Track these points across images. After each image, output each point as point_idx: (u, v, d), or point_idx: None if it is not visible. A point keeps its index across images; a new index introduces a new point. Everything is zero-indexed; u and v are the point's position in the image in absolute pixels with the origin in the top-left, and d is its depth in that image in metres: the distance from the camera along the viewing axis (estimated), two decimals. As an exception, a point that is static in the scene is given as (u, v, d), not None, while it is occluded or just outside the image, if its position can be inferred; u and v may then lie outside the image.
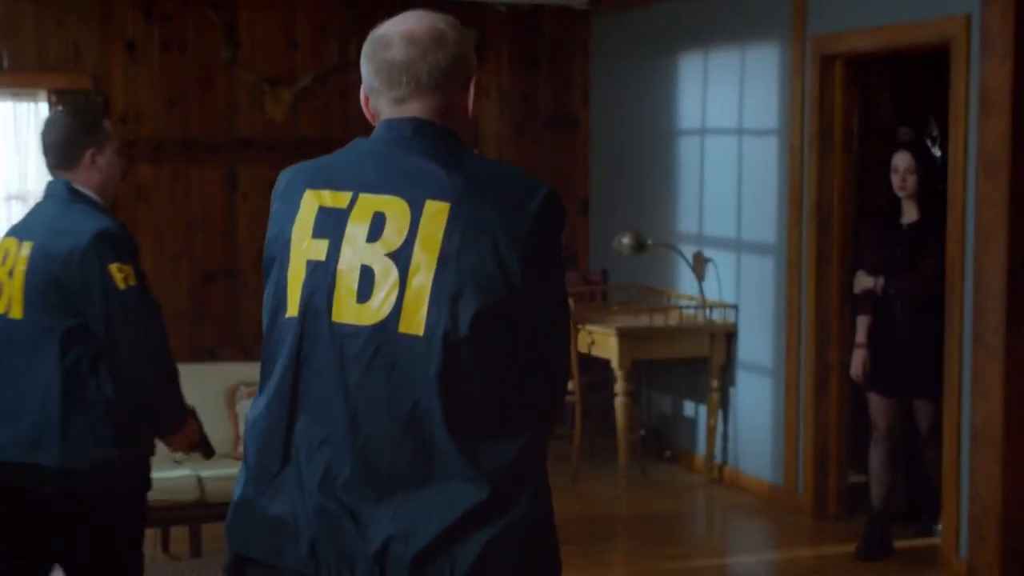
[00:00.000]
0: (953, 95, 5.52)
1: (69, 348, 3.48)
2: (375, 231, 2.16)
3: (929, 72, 6.75)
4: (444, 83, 2.24)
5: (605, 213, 8.41)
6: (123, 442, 3.50)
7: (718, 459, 7.21)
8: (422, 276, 2.12)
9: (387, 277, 2.14)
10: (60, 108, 3.50)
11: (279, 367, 2.23)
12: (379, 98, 2.30)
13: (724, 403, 7.14)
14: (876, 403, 5.84)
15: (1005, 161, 5.23)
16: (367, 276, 2.15)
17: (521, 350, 2.16)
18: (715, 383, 7.08)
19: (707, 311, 7.14)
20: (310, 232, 2.22)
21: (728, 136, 7.17)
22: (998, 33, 5.23)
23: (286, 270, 2.25)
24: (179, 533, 5.67)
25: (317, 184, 2.27)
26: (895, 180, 5.71)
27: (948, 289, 5.54)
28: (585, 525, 6.48)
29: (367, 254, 2.16)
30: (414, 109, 2.25)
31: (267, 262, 2.32)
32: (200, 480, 5.45)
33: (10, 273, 3.55)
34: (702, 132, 7.44)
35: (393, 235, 2.15)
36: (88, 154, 3.63)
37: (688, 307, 7.23)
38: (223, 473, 5.52)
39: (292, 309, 2.23)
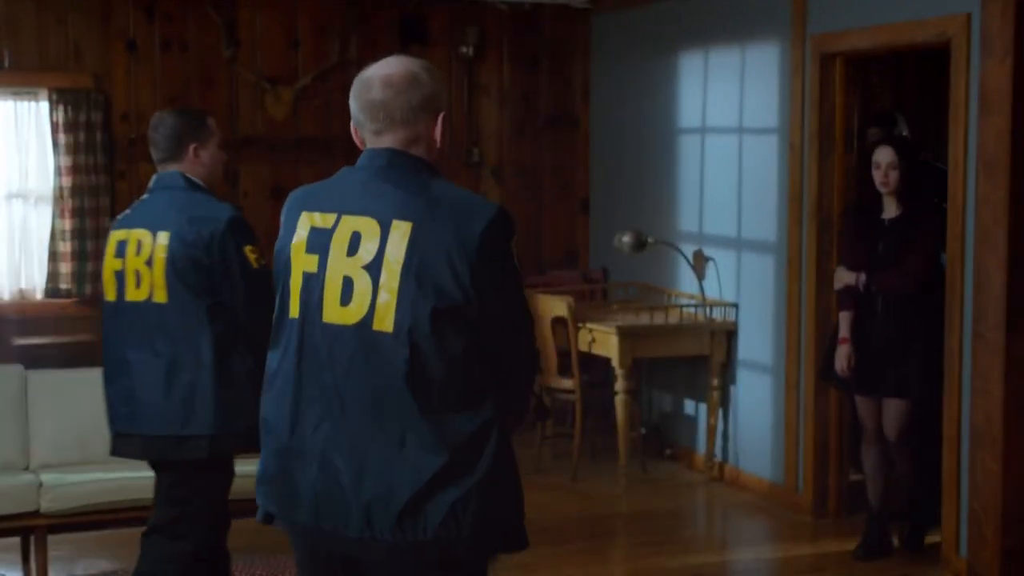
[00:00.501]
0: (953, 94, 5.53)
1: (214, 325, 3.94)
2: (352, 247, 2.66)
3: (929, 71, 6.76)
4: (413, 119, 2.73)
5: (605, 212, 8.42)
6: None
7: (718, 457, 7.22)
8: (390, 284, 2.61)
9: (362, 286, 2.64)
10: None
11: (288, 358, 2.74)
12: (363, 129, 2.78)
13: (724, 401, 7.15)
14: (862, 404, 5.81)
15: (1005, 160, 5.24)
16: (348, 285, 2.66)
17: (476, 345, 2.63)
18: (715, 381, 7.09)
19: (707, 310, 7.15)
20: (304, 248, 2.74)
21: (728, 135, 7.18)
22: (998, 32, 5.23)
23: (288, 280, 2.76)
24: (180, 531, 5.68)
25: (310, 207, 2.78)
26: (877, 176, 5.65)
27: (948, 286, 5.55)
28: (586, 523, 6.49)
29: (347, 267, 2.66)
30: (388, 140, 2.74)
31: (275, 271, 2.83)
32: (201, 478, 5.46)
33: (148, 262, 3.96)
34: (702, 131, 7.45)
35: (366, 250, 2.65)
36: (191, 148, 4.05)
37: (688, 306, 7.24)
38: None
39: (294, 311, 2.74)
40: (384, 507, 2.61)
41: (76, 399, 5.69)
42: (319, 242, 2.72)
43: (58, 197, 7.46)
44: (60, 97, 7.42)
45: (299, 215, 2.79)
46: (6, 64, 7.42)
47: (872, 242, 5.69)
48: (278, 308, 2.79)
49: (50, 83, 7.46)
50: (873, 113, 6.57)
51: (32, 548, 5.37)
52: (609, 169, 8.40)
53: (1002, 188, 5.25)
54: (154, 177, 4.19)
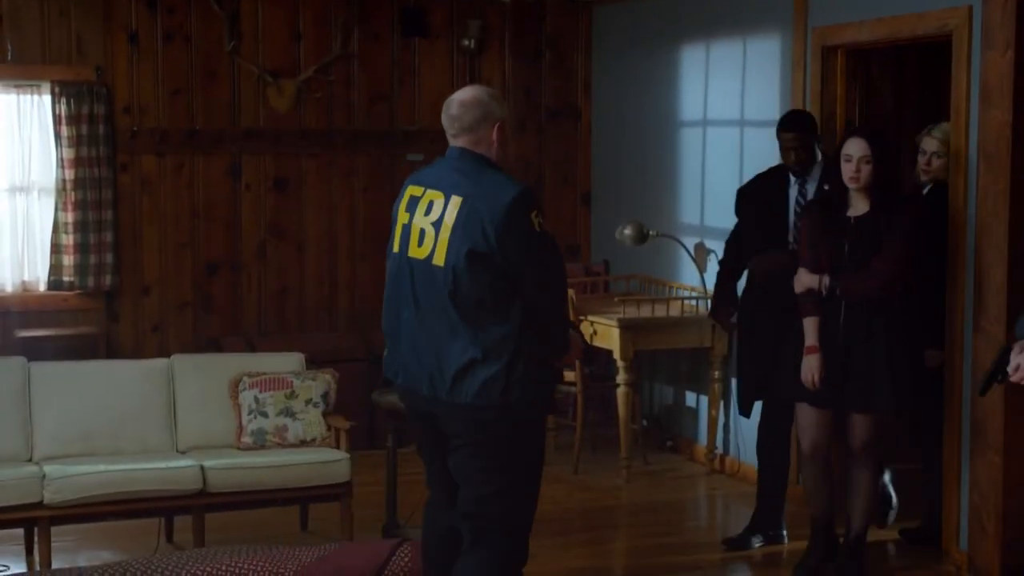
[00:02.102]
0: (954, 86, 5.54)
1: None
2: (428, 210, 4.05)
3: (930, 63, 6.77)
4: (476, 128, 4.07)
5: (607, 204, 8.43)
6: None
7: (719, 449, 7.23)
8: (443, 236, 3.98)
9: (429, 235, 4.02)
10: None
11: (391, 276, 4.17)
12: (448, 134, 4.12)
13: (725, 394, 7.16)
14: (806, 417, 5.35)
15: (1006, 152, 5.24)
16: (422, 234, 4.05)
17: (500, 281, 3.92)
18: (716, 373, 7.10)
19: (709, 302, 7.16)
20: (404, 208, 4.14)
21: (730, 127, 7.19)
22: (999, 25, 5.24)
23: (394, 228, 4.16)
24: (183, 523, 5.70)
25: (413, 182, 4.16)
26: (847, 169, 5.13)
27: (949, 279, 5.55)
28: (587, 514, 6.51)
29: (423, 222, 4.05)
30: (460, 142, 4.10)
31: (391, 222, 4.19)
32: (203, 470, 5.47)
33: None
34: (704, 123, 7.45)
35: (435, 213, 4.02)
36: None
37: (690, 298, 7.25)
38: (226, 463, 5.55)
39: (396, 248, 4.15)
40: (440, 377, 4.00)
41: (79, 391, 5.71)
42: (411, 205, 4.09)
43: (61, 190, 7.48)
44: (62, 90, 7.43)
45: (407, 187, 4.16)
46: (9, 57, 7.42)
47: (836, 242, 5.19)
48: (389, 246, 4.18)
49: (52, 76, 7.46)
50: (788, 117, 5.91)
51: (36, 539, 5.40)
52: (610, 162, 8.41)
53: (1003, 181, 5.26)
54: None
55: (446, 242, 3.95)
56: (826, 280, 5.19)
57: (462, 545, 4.16)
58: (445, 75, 8.33)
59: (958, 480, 5.53)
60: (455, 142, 4.08)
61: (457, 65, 8.37)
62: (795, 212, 5.71)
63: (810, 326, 5.24)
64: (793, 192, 5.77)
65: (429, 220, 4.01)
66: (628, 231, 7.32)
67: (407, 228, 4.07)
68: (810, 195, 5.68)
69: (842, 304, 5.19)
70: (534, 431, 4.12)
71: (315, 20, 8.02)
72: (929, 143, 5.68)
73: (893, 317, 5.19)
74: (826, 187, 5.46)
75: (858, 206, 5.20)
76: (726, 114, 7.22)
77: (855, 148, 5.14)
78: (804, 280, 5.27)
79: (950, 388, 5.56)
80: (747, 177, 6.38)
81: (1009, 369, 4.41)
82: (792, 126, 5.74)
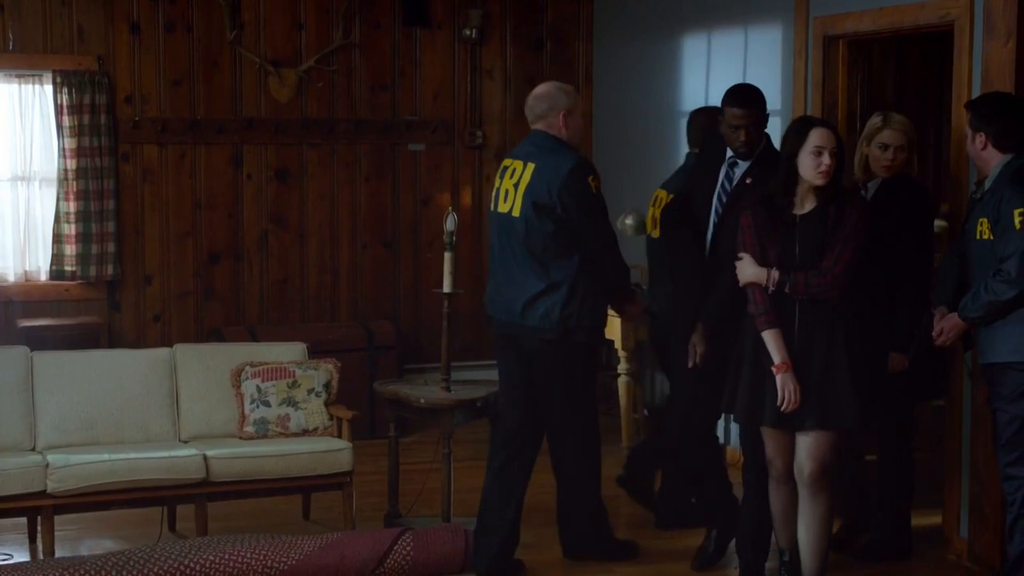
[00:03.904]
0: (956, 76, 5.53)
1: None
2: (512, 175, 5.20)
3: (932, 53, 6.77)
4: (547, 114, 5.20)
5: (608, 194, 8.36)
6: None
7: (720, 439, 7.23)
8: (519, 193, 5.11)
9: (511, 193, 5.16)
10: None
11: (491, 228, 5.33)
12: (528, 120, 5.25)
13: (727, 383, 7.15)
14: (772, 439, 4.84)
15: (1007, 142, 5.24)
16: (507, 193, 5.18)
17: (562, 230, 5.07)
18: (718, 363, 7.08)
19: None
20: (498, 176, 5.30)
21: (731, 117, 7.18)
22: (1001, 14, 5.24)
23: (494, 192, 5.28)
24: (185, 512, 5.72)
25: (506, 157, 5.36)
26: (816, 163, 4.62)
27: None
28: (588, 504, 6.51)
29: (508, 184, 5.20)
30: (539, 125, 5.23)
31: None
32: (206, 459, 5.48)
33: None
34: (705, 113, 7.44)
35: (516, 177, 5.17)
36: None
37: (691, 288, 7.24)
38: (228, 452, 5.56)
39: (491, 206, 5.31)
40: (515, 305, 5.14)
41: (81, 380, 5.72)
42: (502, 173, 5.26)
43: (62, 179, 7.48)
44: (64, 79, 7.44)
45: (503, 161, 5.32)
46: (10, 47, 7.43)
47: (785, 241, 4.70)
48: (489, 206, 5.36)
49: (54, 65, 7.47)
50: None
51: (39, 528, 5.41)
52: (612, 151, 8.41)
53: (1004, 170, 5.25)
54: None
55: (521, 198, 5.10)
56: (775, 275, 4.66)
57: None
58: (446, 65, 8.33)
59: (959, 468, 5.54)
60: (533, 126, 5.23)
61: (458, 54, 8.37)
62: (718, 198, 5.15)
63: (774, 340, 4.67)
64: (721, 175, 5.19)
65: (512, 182, 5.16)
66: (629, 221, 7.31)
67: (498, 191, 5.23)
68: (734, 183, 5.12)
69: (796, 309, 4.69)
70: (585, 354, 5.20)
71: (316, 9, 8.02)
72: (892, 136, 5.28)
73: (848, 321, 4.73)
74: (748, 181, 5.03)
75: (804, 203, 4.70)
76: (728, 104, 7.20)
77: (826, 139, 4.64)
78: (749, 272, 4.72)
79: (951, 379, 5.56)
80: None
81: (933, 334, 4.93)
82: (746, 101, 5.09)
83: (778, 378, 4.66)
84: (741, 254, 4.75)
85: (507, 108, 8.50)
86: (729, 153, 5.17)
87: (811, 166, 4.63)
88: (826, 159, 4.61)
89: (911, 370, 5.31)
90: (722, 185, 5.17)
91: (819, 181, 4.63)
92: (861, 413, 4.72)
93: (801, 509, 4.85)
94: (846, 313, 4.72)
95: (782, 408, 4.66)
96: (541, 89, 5.25)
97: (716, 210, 5.17)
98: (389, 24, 8.19)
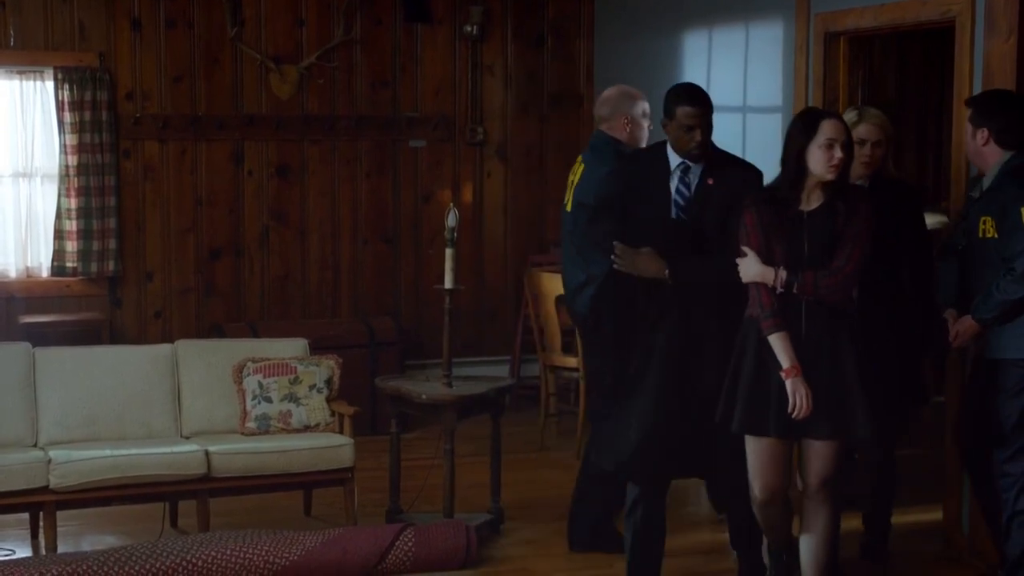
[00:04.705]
0: (957, 72, 5.54)
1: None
2: (574, 172, 5.43)
3: (933, 50, 6.77)
4: (608, 117, 5.38)
5: (609, 190, 8.41)
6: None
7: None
8: (572, 190, 5.35)
9: (569, 190, 5.38)
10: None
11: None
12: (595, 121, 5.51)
13: (728, 379, 7.15)
14: (762, 453, 4.52)
15: (1008, 138, 5.24)
16: (568, 187, 5.41)
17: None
18: (719, 360, 7.07)
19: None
20: (570, 174, 5.50)
21: (732, 113, 7.19)
22: (1002, 11, 5.24)
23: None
24: (187, 507, 5.72)
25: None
26: (828, 156, 4.38)
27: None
28: (589, 500, 6.51)
29: (570, 178, 5.43)
30: (602, 127, 5.40)
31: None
32: (208, 455, 5.49)
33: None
34: (706, 109, 7.44)
35: (575, 175, 5.39)
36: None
37: (692, 284, 7.24)
38: (230, 448, 5.57)
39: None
40: (567, 292, 5.45)
41: (84, 376, 5.72)
42: (572, 171, 5.48)
43: (64, 176, 7.49)
44: (65, 76, 7.44)
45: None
46: (12, 43, 7.43)
47: (792, 240, 4.45)
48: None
49: (55, 62, 7.47)
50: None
51: (41, 523, 5.41)
52: (613, 148, 8.40)
53: (1005, 167, 5.26)
54: None
55: (571, 194, 5.33)
56: (783, 274, 4.40)
57: None
58: (447, 61, 8.34)
59: (959, 465, 5.54)
60: (598, 127, 5.41)
61: (459, 51, 8.37)
62: (676, 204, 4.75)
63: (781, 343, 4.40)
64: (674, 182, 4.77)
65: (572, 180, 5.38)
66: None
67: (568, 188, 5.42)
68: (694, 187, 4.74)
69: (802, 311, 4.44)
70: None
71: (317, 6, 8.02)
72: (868, 131, 4.98)
73: (855, 323, 4.50)
74: (710, 182, 4.71)
75: (811, 199, 4.45)
76: (729, 100, 7.21)
77: (837, 131, 4.40)
78: (754, 269, 4.45)
79: (951, 373, 5.56)
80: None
81: (949, 337, 4.98)
82: (700, 99, 4.75)
83: (788, 383, 4.38)
84: (744, 248, 4.48)
85: (508, 104, 8.51)
86: (676, 160, 4.77)
87: (822, 160, 4.38)
88: (838, 152, 4.36)
89: (905, 375, 5.17)
90: (678, 192, 4.75)
91: (830, 176, 4.38)
92: (874, 422, 4.46)
93: (805, 521, 4.63)
94: (853, 315, 4.50)
95: (793, 415, 4.39)
96: (606, 93, 5.45)
97: (680, 219, 4.75)
98: (390, 20, 8.19)
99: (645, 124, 5.40)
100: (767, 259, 4.44)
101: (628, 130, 5.34)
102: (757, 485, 4.53)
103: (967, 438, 5.10)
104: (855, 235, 4.41)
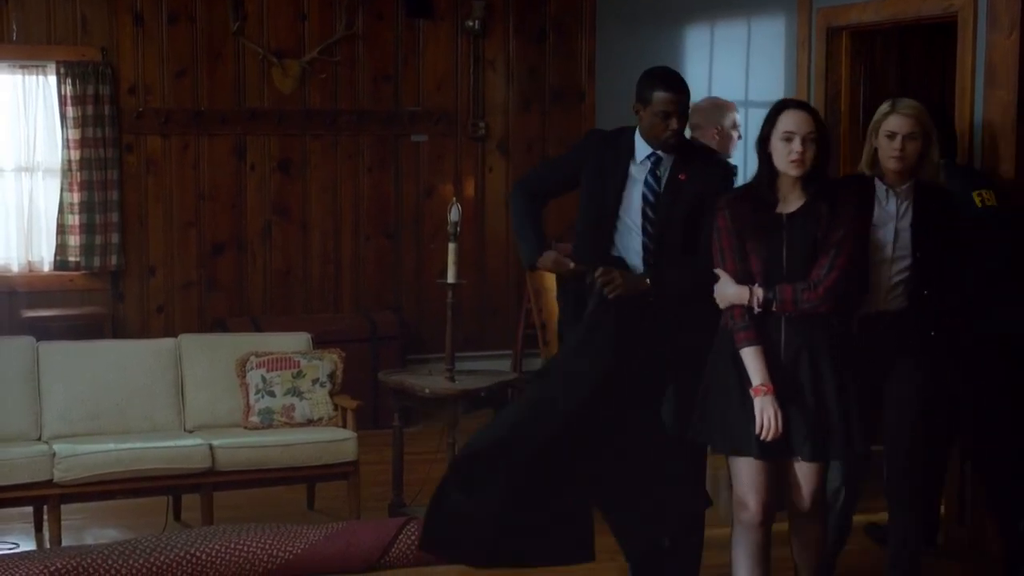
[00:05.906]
0: (959, 67, 5.54)
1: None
2: None
3: (935, 45, 6.77)
4: (698, 127, 5.48)
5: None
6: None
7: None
8: None
9: None
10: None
11: None
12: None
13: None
14: (750, 474, 4.20)
15: (1010, 133, 5.26)
16: None
17: None
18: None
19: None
20: None
21: (734, 108, 7.19)
22: (1004, 6, 5.25)
23: None
24: (191, 501, 5.74)
25: None
26: (787, 150, 4.08)
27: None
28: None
29: None
30: (695, 134, 5.36)
31: None
32: (211, 449, 5.50)
33: None
34: (708, 104, 7.45)
35: None
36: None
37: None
38: (234, 442, 5.58)
39: None
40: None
41: (87, 371, 5.74)
42: None
43: (66, 170, 7.49)
44: (68, 70, 7.44)
45: None
46: (14, 37, 7.43)
47: (771, 246, 4.13)
48: None
49: (58, 56, 7.47)
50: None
51: (45, 517, 5.43)
52: (614, 143, 8.41)
53: (1008, 161, 5.27)
54: None
55: None
56: (759, 292, 4.09)
57: None
58: (449, 56, 8.34)
59: (960, 458, 5.56)
60: (689, 132, 5.11)
61: (461, 46, 8.37)
62: (644, 199, 4.45)
63: (753, 359, 4.09)
64: (641, 173, 4.48)
65: None
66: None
67: None
68: (664, 182, 4.44)
69: (781, 323, 4.12)
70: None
71: (319, 1, 8.02)
72: (899, 123, 4.45)
73: (841, 338, 4.19)
74: (682, 177, 4.42)
75: (791, 200, 4.14)
76: (730, 95, 7.17)
77: (798, 123, 4.08)
78: (730, 293, 4.14)
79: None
80: (752, 160, 6.37)
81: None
82: (677, 84, 4.45)
83: (757, 401, 4.07)
84: (718, 271, 4.18)
85: (509, 99, 8.51)
86: (646, 150, 4.46)
87: (782, 153, 4.08)
88: (797, 145, 4.04)
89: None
90: (647, 186, 4.45)
91: (793, 171, 4.07)
92: (863, 442, 4.16)
93: (795, 538, 4.34)
94: (838, 328, 4.16)
95: (762, 437, 4.08)
96: (701, 103, 5.61)
97: (648, 217, 4.44)
98: (392, 15, 8.20)
99: (735, 135, 5.67)
100: (741, 266, 4.15)
101: (717, 140, 5.50)
102: (752, 503, 4.21)
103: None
104: (839, 242, 4.07)
